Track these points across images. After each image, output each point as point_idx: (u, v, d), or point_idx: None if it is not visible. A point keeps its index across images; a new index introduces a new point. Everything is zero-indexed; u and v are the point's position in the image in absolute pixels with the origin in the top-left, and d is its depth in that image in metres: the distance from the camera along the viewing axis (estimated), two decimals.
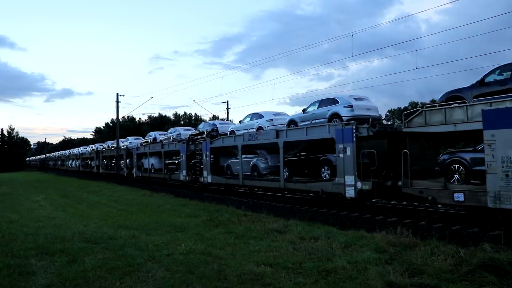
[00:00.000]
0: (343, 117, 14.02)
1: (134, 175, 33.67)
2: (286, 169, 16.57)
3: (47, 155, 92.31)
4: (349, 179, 12.94)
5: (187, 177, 23.92)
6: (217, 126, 22.95)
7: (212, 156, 21.79)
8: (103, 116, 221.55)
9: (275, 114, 19.07)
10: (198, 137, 23.44)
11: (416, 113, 11.71)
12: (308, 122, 15.60)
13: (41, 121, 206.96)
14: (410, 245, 8.46)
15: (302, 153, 16.96)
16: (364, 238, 9.46)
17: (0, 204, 19.84)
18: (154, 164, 30.42)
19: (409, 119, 11.89)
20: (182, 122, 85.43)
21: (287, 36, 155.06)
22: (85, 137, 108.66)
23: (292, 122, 16.76)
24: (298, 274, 6.86)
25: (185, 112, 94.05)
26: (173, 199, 20.76)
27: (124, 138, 43.16)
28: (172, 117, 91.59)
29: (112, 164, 40.94)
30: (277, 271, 6.98)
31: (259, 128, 18.48)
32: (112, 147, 41.61)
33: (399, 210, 13.99)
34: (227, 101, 44.85)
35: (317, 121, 15.18)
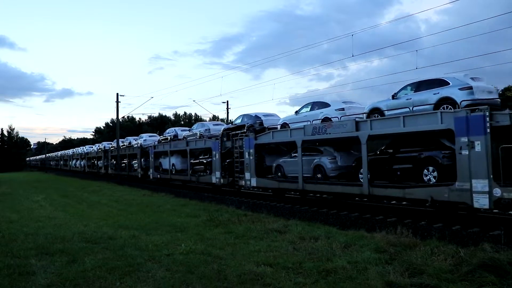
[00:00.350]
0: (458, 102, 11.06)
1: (151, 177, 30.33)
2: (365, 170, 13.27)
3: (48, 155, 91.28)
4: (480, 184, 9.86)
5: (221, 180, 20.63)
6: (262, 118, 19.49)
7: (256, 155, 18.31)
8: (103, 116, 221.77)
9: (346, 102, 15.72)
10: (236, 132, 20.11)
11: None
12: (400, 111, 12.54)
13: (41, 121, 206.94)
14: (410, 245, 8.46)
15: (387, 150, 13.38)
16: (364, 238, 9.46)
17: (0, 204, 19.85)
18: (176, 164, 27.15)
19: None
20: (182, 122, 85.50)
21: (286, 36, 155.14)
22: (85, 137, 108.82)
23: (375, 111, 13.78)
24: (298, 274, 6.86)
25: (185, 112, 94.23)
26: (173, 199, 20.76)
27: (124, 138, 42.99)
28: (172, 117, 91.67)
29: (123, 165, 38.13)
30: (277, 271, 6.98)
31: (326, 120, 15.20)
32: (122, 145, 38.58)
33: (399, 210, 13.99)
34: (227, 101, 44.93)
35: (418, 108, 12.10)
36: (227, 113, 42.51)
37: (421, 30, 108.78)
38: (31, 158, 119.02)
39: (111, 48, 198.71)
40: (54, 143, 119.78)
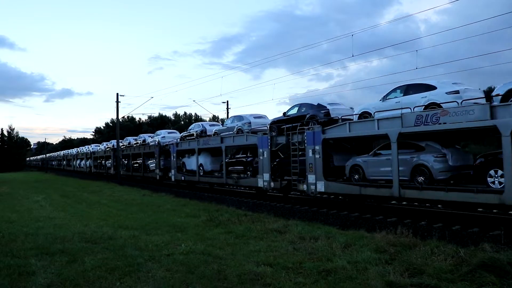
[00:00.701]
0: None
1: (173, 179, 26.50)
2: (496, 172, 10.12)
3: (49, 154, 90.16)
4: None
5: (271, 183, 17.11)
6: (328, 108, 15.78)
7: (322, 153, 14.72)
8: (103, 116, 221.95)
9: (456, 83, 12.16)
10: (291, 125, 16.59)
11: None
12: None
13: (41, 121, 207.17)
14: (410, 245, 8.46)
15: None
16: (364, 238, 9.46)
17: (0, 204, 19.84)
18: (204, 165, 23.64)
19: None
20: (182, 122, 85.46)
21: (286, 36, 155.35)
22: (85, 137, 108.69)
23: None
24: (298, 274, 6.86)
25: (185, 112, 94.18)
26: (173, 199, 20.76)
27: (124, 138, 42.88)
28: (172, 117, 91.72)
29: (136, 165, 34.87)
30: (277, 271, 6.98)
31: (433, 106, 11.58)
32: (136, 143, 35.52)
33: (399, 210, 13.98)
34: (227, 101, 44.88)
35: None
36: (227, 113, 42.51)
37: (420, 30, 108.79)
38: (31, 158, 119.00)
39: (110, 48, 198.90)
40: (54, 143, 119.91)
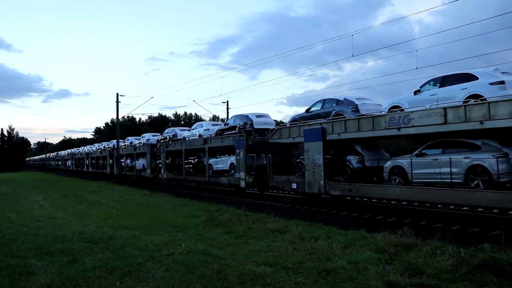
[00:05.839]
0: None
1: (243, 185, 19.28)
2: None
3: (52, 154, 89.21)
4: None
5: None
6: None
7: None
8: (101, 117, 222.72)
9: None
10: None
11: None
12: None
13: (40, 121, 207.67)
14: (410, 245, 8.44)
15: None
16: (364, 238, 9.45)
17: (0, 204, 19.83)
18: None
19: None
20: (182, 122, 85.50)
21: (281, 37, 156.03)
22: (85, 137, 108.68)
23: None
24: (298, 274, 6.85)
25: (185, 112, 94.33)
26: (173, 199, 20.75)
27: (125, 138, 42.43)
28: (172, 117, 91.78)
29: (191, 165, 26.63)
30: (277, 271, 6.98)
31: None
32: (162, 138, 30.07)
33: (399, 210, 13.98)
34: (227, 101, 44.87)
35: None
36: (227, 113, 42.51)
37: (414, 31, 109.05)
38: (31, 158, 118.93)
39: (107, 50, 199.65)
40: (54, 143, 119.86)
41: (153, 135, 35.13)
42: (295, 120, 17.26)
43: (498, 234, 9.32)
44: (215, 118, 71.80)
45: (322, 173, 14.31)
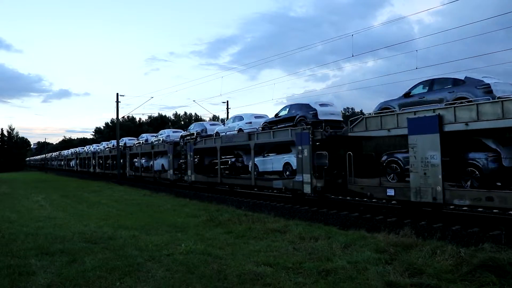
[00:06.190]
0: None
1: (307, 190, 15.25)
2: None
3: (52, 154, 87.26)
4: None
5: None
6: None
7: None
8: (101, 117, 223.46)
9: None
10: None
11: None
12: None
13: (40, 121, 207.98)
14: (411, 245, 8.45)
15: None
16: (364, 238, 9.45)
17: (0, 204, 19.83)
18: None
19: None
20: (182, 122, 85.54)
21: (281, 37, 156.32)
22: (85, 137, 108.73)
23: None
24: (298, 274, 6.85)
25: (185, 112, 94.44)
26: (173, 199, 20.75)
27: (124, 138, 41.88)
28: (172, 117, 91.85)
29: (238, 165, 21.31)
30: (277, 271, 6.98)
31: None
32: (194, 134, 25.23)
33: (399, 210, 13.97)
34: (227, 101, 44.84)
35: None
36: (227, 113, 42.50)
37: (414, 31, 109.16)
38: (31, 158, 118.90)
39: (107, 50, 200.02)
40: (54, 143, 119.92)
41: (173, 131, 31.26)
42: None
43: (498, 234, 9.32)
44: (215, 118, 71.81)
45: (440, 176, 10.86)
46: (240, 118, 21.49)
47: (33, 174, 67.68)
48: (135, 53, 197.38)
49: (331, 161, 14.80)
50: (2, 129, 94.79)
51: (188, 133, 26.50)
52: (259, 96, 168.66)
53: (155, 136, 33.17)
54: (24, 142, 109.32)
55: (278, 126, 17.61)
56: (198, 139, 24.36)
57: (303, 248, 8.67)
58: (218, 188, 24.00)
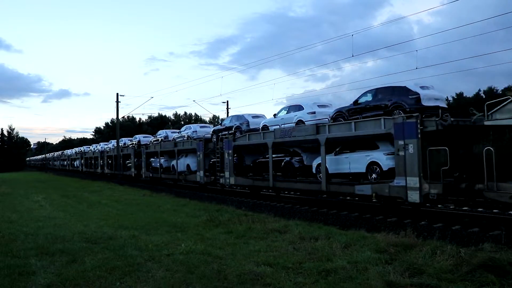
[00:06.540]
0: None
1: (415, 198, 11.76)
2: None
3: (54, 154, 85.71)
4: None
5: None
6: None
7: None
8: (101, 117, 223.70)
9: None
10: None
11: None
12: None
13: (40, 121, 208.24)
14: (411, 245, 8.44)
15: None
16: (364, 238, 9.44)
17: (0, 204, 19.83)
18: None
19: None
20: (182, 122, 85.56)
21: (280, 37, 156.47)
22: (85, 137, 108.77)
23: (339, 115, 14.82)
24: (298, 274, 6.85)
25: (185, 112, 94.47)
26: (173, 199, 20.74)
27: (133, 137, 39.99)
28: (172, 117, 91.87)
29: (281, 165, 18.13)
30: (277, 271, 6.97)
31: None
32: (252, 130, 20.05)
33: (399, 210, 13.96)
34: (227, 101, 44.84)
35: None
36: (227, 113, 42.51)
37: (413, 31, 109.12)
38: (31, 158, 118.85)
39: (107, 50, 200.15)
40: (54, 143, 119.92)
41: (200, 126, 27.63)
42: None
43: (498, 234, 9.32)
44: (215, 118, 71.83)
45: None
46: (298, 107, 17.60)
47: (33, 174, 67.61)
48: (135, 53, 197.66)
49: (451, 160, 11.19)
50: (2, 129, 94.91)
51: (223, 127, 22.75)
52: (259, 96, 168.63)
53: (178, 132, 29.22)
54: (24, 142, 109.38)
55: (364, 115, 14.01)
56: (238, 134, 20.56)
57: (303, 248, 8.66)
58: (262, 193, 20.29)
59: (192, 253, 8.31)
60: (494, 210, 12.37)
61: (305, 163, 16.91)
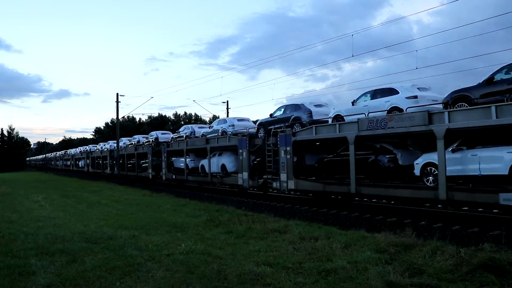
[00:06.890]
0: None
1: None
2: None
3: (57, 153, 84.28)
4: None
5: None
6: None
7: None
8: (101, 117, 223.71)
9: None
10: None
11: None
12: None
13: (40, 121, 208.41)
14: (411, 245, 8.43)
15: None
16: (364, 238, 9.44)
17: (0, 204, 19.83)
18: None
19: None
20: (182, 122, 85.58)
21: (280, 37, 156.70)
22: (85, 137, 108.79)
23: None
24: (298, 274, 6.85)
25: (185, 112, 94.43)
26: (173, 199, 20.74)
27: (131, 137, 40.62)
28: (172, 117, 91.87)
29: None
30: (277, 271, 6.97)
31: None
32: (317, 122, 16.41)
33: (399, 210, 13.97)
34: (227, 101, 44.83)
35: None
36: (227, 113, 42.51)
37: (413, 31, 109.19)
38: (31, 158, 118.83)
39: (107, 50, 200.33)
40: (54, 143, 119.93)
41: (238, 120, 23.41)
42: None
43: (498, 234, 9.32)
44: (215, 118, 71.83)
45: None
46: (390, 91, 13.77)
47: (33, 174, 67.59)
48: (134, 53, 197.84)
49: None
50: (2, 129, 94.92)
51: (274, 119, 19.11)
52: (259, 96, 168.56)
53: (210, 127, 25.60)
54: (24, 142, 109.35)
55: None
56: (297, 127, 16.99)
57: (303, 248, 8.66)
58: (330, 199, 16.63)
59: (192, 253, 8.31)
60: (494, 210, 12.37)
61: (400, 162, 13.21)
